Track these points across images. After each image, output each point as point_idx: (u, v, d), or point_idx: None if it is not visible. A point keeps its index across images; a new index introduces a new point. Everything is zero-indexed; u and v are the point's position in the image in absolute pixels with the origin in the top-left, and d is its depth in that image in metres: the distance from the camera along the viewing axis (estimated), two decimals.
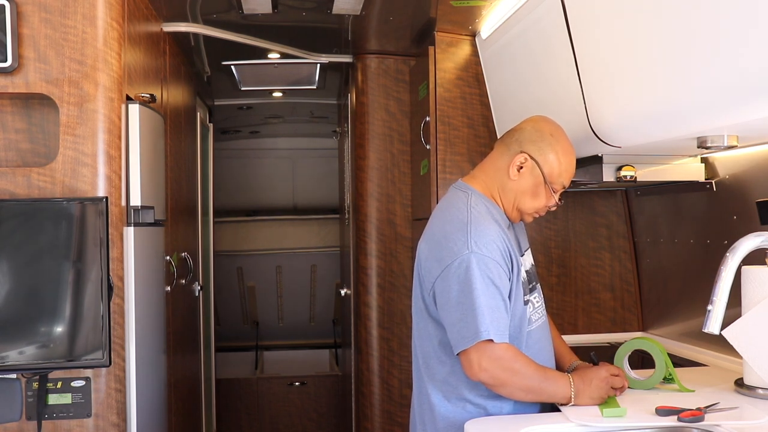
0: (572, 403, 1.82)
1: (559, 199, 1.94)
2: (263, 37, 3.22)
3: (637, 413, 1.79)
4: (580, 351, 2.23)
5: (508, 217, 1.96)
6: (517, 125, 1.98)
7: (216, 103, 4.66)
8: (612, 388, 1.87)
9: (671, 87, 1.71)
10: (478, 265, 1.78)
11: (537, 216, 1.96)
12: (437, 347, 1.90)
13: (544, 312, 2.02)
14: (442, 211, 1.95)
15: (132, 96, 2.34)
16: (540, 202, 1.91)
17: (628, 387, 2.00)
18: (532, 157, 1.89)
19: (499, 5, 2.58)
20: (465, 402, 1.87)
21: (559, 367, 2.06)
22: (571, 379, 1.83)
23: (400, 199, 3.43)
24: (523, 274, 1.91)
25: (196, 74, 3.80)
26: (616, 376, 1.89)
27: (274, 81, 4.14)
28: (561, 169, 1.89)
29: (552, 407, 1.88)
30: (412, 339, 2.05)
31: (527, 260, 2.00)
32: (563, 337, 2.26)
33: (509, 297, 1.84)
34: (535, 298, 1.97)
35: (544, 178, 1.88)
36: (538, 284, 2.03)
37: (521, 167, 1.90)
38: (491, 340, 1.75)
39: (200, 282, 3.94)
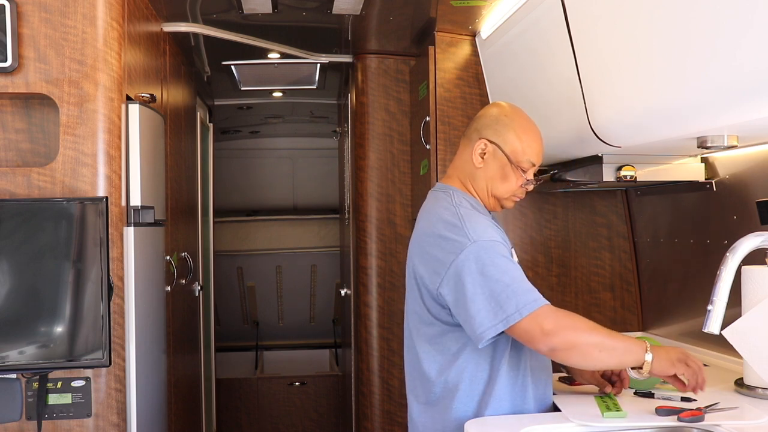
0: (649, 361, 1.73)
1: (536, 180, 1.92)
2: (263, 37, 3.22)
3: (637, 413, 1.79)
4: None
5: (489, 210, 1.95)
6: (476, 115, 1.99)
7: (216, 103, 4.66)
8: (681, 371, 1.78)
9: (671, 87, 1.71)
10: (486, 251, 1.75)
11: (516, 200, 1.94)
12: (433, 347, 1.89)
13: None
14: (429, 214, 1.92)
15: (132, 96, 2.34)
16: (511, 184, 1.89)
17: (628, 387, 2.00)
18: (491, 141, 1.89)
19: (499, 5, 2.58)
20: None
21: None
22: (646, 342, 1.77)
23: (400, 199, 3.43)
24: None
25: (196, 74, 3.80)
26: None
27: (274, 81, 4.14)
28: (523, 147, 1.87)
29: (555, 408, 1.88)
30: (404, 342, 2.04)
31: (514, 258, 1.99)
32: None
33: None
34: None
35: (507, 158, 1.88)
36: None
37: (484, 153, 1.90)
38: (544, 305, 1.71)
39: (200, 282, 3.94)
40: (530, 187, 1.92)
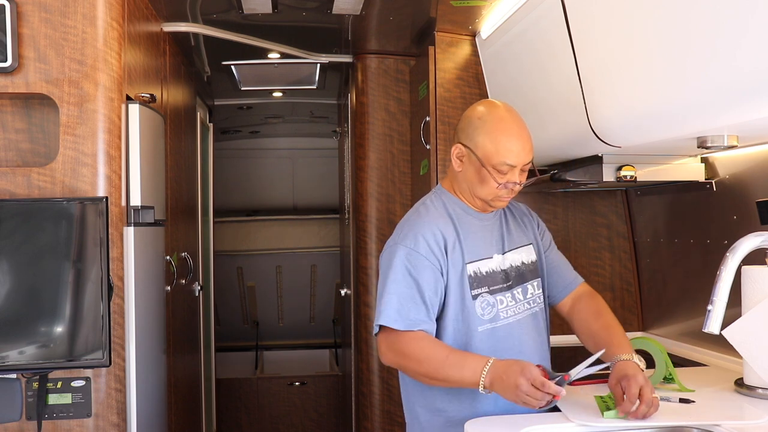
0: (485, 390, 1.73)
1: (523, 180, 1.89)
2: (263, 37, 3.22)
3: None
4: (581, 351, 2.22)
5: (480, 211, 1.97)
6: None
7: (216, 103, 4.66)
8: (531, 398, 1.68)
9: (671, 87, 1.71)
10: (398, 257, 1.87)
11: (505, 200, 1.93)
12: None
13: (525, 309, 1.97)
14: None
15: (132, 96, 2.34)
16: (490, 185, 1.88)
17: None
18: (464, 146, 1.91)
19: (499, 5, 2.58)
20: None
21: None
22: (487, 366, 1.72)
23: (400, 199, 3.43)
24: (474, 271, 1.89)
25: (196, 74, 3.80)
26: (538, 389, 1.66)
27: (274, 81, 4.14)
28: (497, 149, 1.85)
29: (555, 408, 1.88)
30: None
31: (513, 257, 1.98)
32: (564, 337, 2.25)
33: (446, 290, 1.88)
34: (511, 294, 1.94)
35: (480, 162, 1.87)
36: (527, 283, 1.99)
37: (461, 157, 1.92)
38: (393, 328, 1.83)
39: (200, 282, 3.94)
40: (516, 188, 1.90)
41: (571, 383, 2.08)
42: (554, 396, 1.65)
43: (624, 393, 1.73)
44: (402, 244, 1.88)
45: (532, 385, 1.64)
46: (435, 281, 1.86)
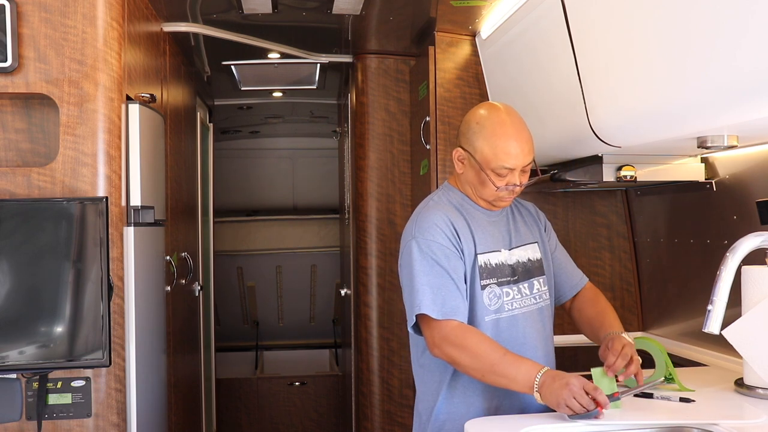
0: (537, 393, 1.74)
1: (524, 181, 1.92)
2: (263, 37, 3.22)
3: (636, 413, 1.79)
4: (581, 351, 2.23)
5: (488, 208, 1.99)
6: None
7: (216, 103, 4.66)
8: (575, 404, 1.72)
9: (671, 87, 1.71)
10: (420, 249, 1.88)
11: (508, 199, 1.96)
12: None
13: (532, 304, 1.99)
14: None
15: (132, 96, 2.34)
16: (490, 187, 1.92)
17: (629, 386, 1.99)
18: (464, 149, 1.95)
19: (499, 5, 2.58)
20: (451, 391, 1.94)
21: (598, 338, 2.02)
22: (541, 371, 1.75)
23: (400, 199, 3.43)
24: (484, 262, 1.92)
25: (196, 74, 3.80)
26: (588, 394, 1.70)
27: (274, 81, 4.14)
28: (495, 153, 1.88)
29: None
30: None
31: (519, 253, 2.00)
32: (565, 336, 2.24)
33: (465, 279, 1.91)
34: (517, 288, 1.97)
35: (479, 166, 1.91)
36: (533, 279, 2.01)
37: (462, 160, 1.97)
38: (447, 319, 1.83)
39: (200, 282, 3.94)
40: (517, 189, 1.93)
41: None
42: (599, 407, 1.69)
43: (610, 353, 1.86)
44: (421, 237, 1.89)
45: (583, 388, 1.70)
46: (460, 267, 1.89)
